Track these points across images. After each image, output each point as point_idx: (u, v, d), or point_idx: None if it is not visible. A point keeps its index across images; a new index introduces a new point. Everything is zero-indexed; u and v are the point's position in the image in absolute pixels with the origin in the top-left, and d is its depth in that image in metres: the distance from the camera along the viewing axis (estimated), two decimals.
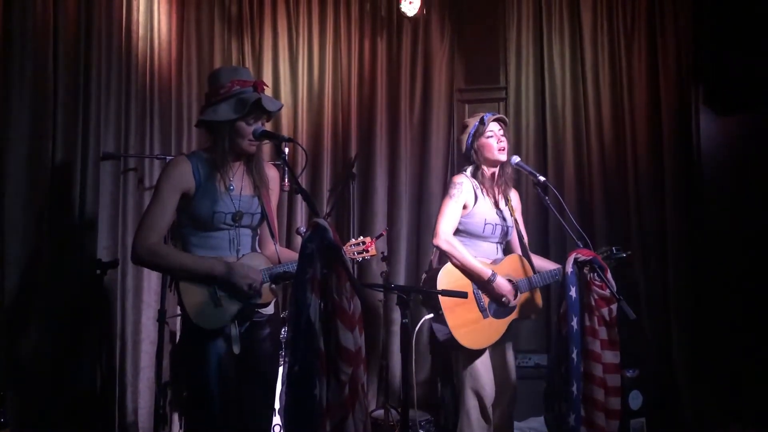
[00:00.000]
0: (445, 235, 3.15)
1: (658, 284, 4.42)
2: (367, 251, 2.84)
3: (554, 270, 3.19)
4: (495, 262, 3.23)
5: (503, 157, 3.26)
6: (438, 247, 3.18)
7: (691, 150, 4.42)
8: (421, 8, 4.65)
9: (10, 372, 3.01)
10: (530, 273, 3.22)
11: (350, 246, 2.84)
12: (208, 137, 2.55)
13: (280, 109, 2.55)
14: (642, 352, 4.27)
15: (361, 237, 2.87)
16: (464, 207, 3.23)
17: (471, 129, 3.29)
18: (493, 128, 3.26)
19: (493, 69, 4.89)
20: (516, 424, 3.68)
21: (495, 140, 3.25)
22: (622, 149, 4.56)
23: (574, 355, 2.86)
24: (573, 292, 2.93)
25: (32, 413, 3.09)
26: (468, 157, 3.32)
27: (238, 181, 2.55)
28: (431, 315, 3.17)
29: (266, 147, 4.37)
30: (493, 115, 3.30)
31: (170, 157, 3.80)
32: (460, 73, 4.97)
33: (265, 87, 2.52)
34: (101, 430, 3.49)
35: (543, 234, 4.52)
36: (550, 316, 4.34)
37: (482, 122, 3.26)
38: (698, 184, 4.40)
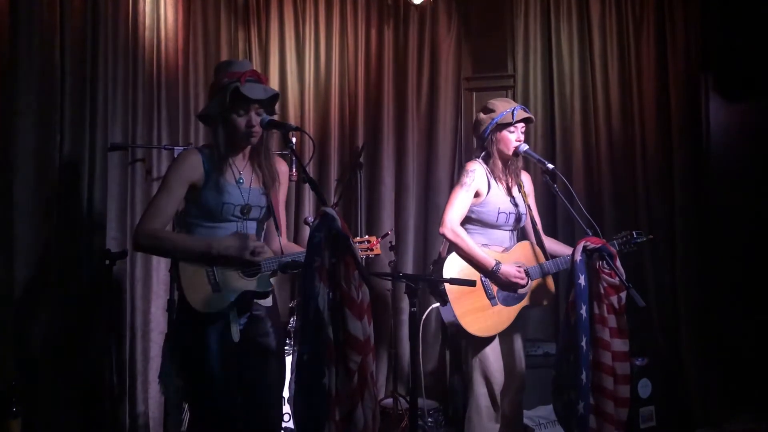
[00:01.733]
0: (451, 224, 3.13)
1: (667, 272, 4.40)
2: (372, 249, 2.84)
3: (568, 256, 3.15)
4: (506, 249, 3.22)
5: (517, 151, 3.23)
6: (444, 236, 3.16)
7: (701, 137, 4.40)
8: None
9: (20, 362, 3.03)
10: (542, 260, 3.21)
11: (355, 244, 2.84)
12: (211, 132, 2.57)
13: (272, 96, 2.49)
14: (651, 341, 4.27)
15: (367, 236, 2.89)
16: (477, 195, 3.20)
17: (497, 116, 3.20)
18: (518, 124, 3.22)
19: (501, 57, 4.87)
20: (525, 412, 3.68)
21: (515, 136, 3.21)
22: (631, 136, 4.53)
23: (583, 344, 2.86)
24: (582, 280, 2.92)
25: (43, 403, 3.11)
26: (482, 141, 3.27)
27: (248, 174, 2.56)
28: (438, 304, 3.17)
29: (273, 136, 4.37)
30: (525, 111, 3.23)
31: (178, 148, 3.82)
32: (468, 61, 4.95)
33: (248, 77, 2.44)
34: (111, 420, 3.51)
35: (551, 222, 4.50)
36: (559, 305, 4.33)
37: (512, 114, 3.18)
38: (707, 171, 4.37)
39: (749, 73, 4.25)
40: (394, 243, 4.47)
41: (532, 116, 3.30)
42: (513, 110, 3.19)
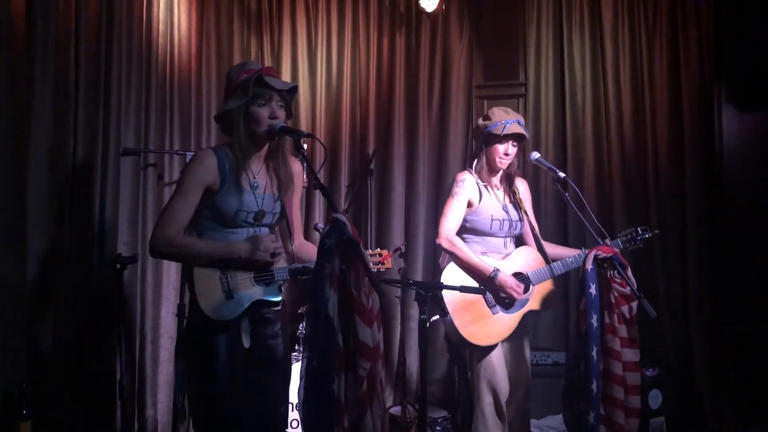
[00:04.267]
0: (446, 234, 3.16)
1: (678, 282, 4.38)
2: (383, 263, 2.82)
3: (571, 258, 3.16)
4: (506, 256, 3.22)
5: (502, 166, 3.23)
6: (440, 246, 3.19)
7: (713, 147, 4.37)
8: (440, 4, 4.63)
9: (31, 365, 3.04)
10: (543, 264, 3.20)
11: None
12: (228, 132, 2.55)
13: (291, 88, 2.50)
14: (662, 351, 4.24)
15: (379, 249, 2.87)
16: (470, 205, 3.22)
17: (491, 125, 3.18)
18: (509, 139, 3.19)
19: (513, 65, 4.86)
20: (534, 422, 3.67)
21: (503, 149, 3.18)
22: (643, 146, 4.52)
23: (593, 353, 2.85)
24: (593, 290, 2.91)
25: (53, 406, 3.12)
26: (480, 147, 3.30)
27: (263, 178, 2.53)
28: (438, 317, 3.16)
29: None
30: (520, 125, 3.17)
31: (190, 153, 3.83)
32: (479, 69, 4.95)
33: (271, 72, 2.48)
34: (120, 423, 3.51)
35: (562, 230, 4.50)
36: (569, 314, 4.31)
37: (503, 127, 3.15)
38: (720, 181, 4.35)
39: (762, 83, 4.22)
40: (404, 250, 4.47)
41: (526, 134, 3.22)
42: (506, 123, 3.16)
